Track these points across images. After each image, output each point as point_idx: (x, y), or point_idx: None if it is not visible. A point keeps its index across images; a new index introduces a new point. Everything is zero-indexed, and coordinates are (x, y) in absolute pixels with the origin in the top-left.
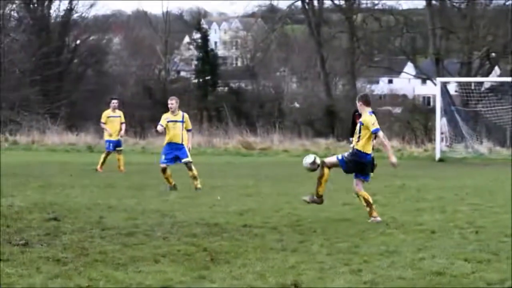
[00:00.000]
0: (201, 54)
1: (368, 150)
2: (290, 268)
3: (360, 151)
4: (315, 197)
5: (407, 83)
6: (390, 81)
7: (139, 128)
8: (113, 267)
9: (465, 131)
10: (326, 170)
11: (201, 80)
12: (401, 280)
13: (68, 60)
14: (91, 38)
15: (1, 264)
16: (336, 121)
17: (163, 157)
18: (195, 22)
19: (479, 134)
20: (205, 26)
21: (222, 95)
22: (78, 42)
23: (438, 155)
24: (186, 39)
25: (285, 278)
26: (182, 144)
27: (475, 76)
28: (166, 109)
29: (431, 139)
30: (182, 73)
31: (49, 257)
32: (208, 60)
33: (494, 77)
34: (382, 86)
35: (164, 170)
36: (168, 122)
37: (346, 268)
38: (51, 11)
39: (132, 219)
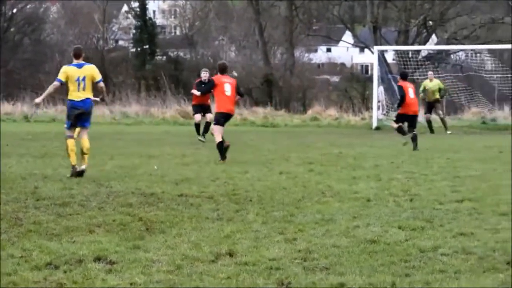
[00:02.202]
0: (139, 23)
1: None
2: (225, 237)
3: None
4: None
5: (345, 51)
6: (329, 50)
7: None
8: (47, 238)
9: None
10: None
11: (139, 49)
12: (336, 248)
13: (4, 29)
14: (28, 6)
15: None
16: (274, 90)
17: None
18: None
19: None
20: None
21: (160, 64)
22: (14, 10)
23: (375, 124)
24: (125, 7)
25: (220, 247)
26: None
27: (412, 44)
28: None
29: (368, 108)
30: (120, 42)
31: None
32: (146, 29)
33: (431, 45)
34: (320, 55)
35: None
36: None
37: (281, 237)
38: None
39: (68, 189)
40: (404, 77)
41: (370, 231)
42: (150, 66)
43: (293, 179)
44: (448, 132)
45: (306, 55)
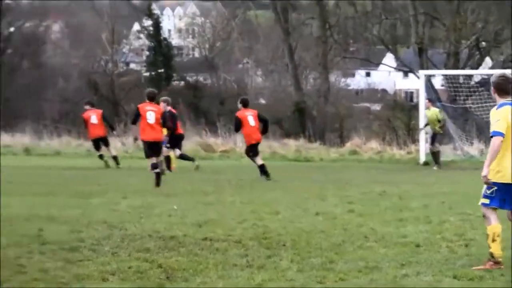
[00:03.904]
0: (152, 43)
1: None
2: (256, 287)
3: None
4: None
5: (387, 76)
6: (368, 74)
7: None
8: (55, 287)
9: (453, 130)
10: None
11: (153, 73)
12: None
13: (0, 51)
14: (26, 25)
15: None
16: (307, 120)
17: None
18: (146, 6)
19: (469, 134)
20: (156, 11)
21: (177, 90)
22: (12, 29)
23: (422, 158)
24: (136, 26)
25: None
26: None
27: (463, 68)
28: (114, 106)
29: (415, 140)
30: (132, 65)
31: None
32: (161, 50)
33: (485, 70)
34: (358, 80)
35: None
36: None
37: (320, 286)
38: None
39: (76, 232)
40: None
41: (421, 280)
42: (166, 92)
43: (331, 220)
44: (434, 167)
45: (343, 80)
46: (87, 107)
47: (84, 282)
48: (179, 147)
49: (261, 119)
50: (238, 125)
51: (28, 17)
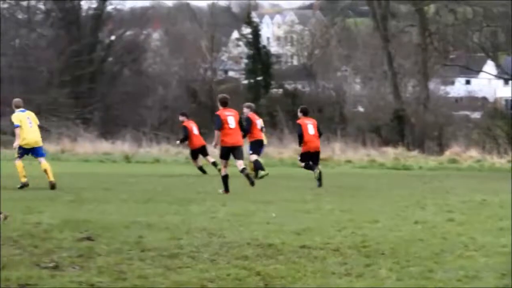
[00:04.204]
0: (251, 51)
1: None
2: None
3: None
4: None
5: (487, 83)
6: (468, 82)
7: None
8: None
9: None
10: None
11: (252, 80)
12: None
13: (101, 59)
14: (127, 33)
15: None
16: (406, 128)
17: None
18: (245, 15)
19: None
20: (256, 19)
21: (276, 98)
22: (112, 37)
23: None
24: (235, 34)
25: None
26: None
27: None
28: (212, 114)
29: None
30: (231, 73)
31: (82, 282)
32: (259, 58)
33: None
34: (458, 88)
35: None
36: None
37: None
38: (82, 2)
39: (176, 239)
40: None
41: None
42: (264, 100)
43: (431, 229)
44: None
45: (442, 87)
46: (182, 118)
47: None
48: (258, 153)
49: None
50: (300, 132)
51: (129, 26)
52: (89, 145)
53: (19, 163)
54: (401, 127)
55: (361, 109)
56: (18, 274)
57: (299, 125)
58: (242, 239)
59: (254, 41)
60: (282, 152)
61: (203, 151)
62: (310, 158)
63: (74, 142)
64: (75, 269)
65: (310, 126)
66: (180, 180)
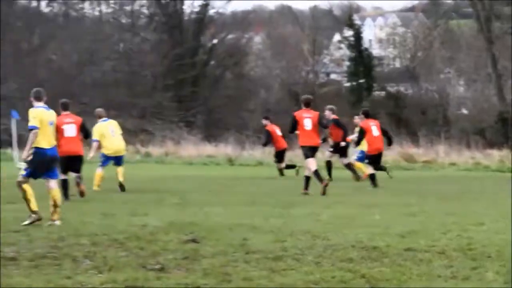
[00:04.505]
0: (353, 54)
1: None
2: None
3: None
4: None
5: None
6: None
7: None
8: None
9: None
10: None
11: (354, 83)
12: None
13: (204, 62)
14: (229, 36)
15: None
16: (510, 130)
17: None
18: (347, 17)
19: None
20: (358, 22)
21: (378, 101)
22: (215, 41)
23: None
24: (337, 37)
25: None
26: None
27: None
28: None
29: None
30: (333, 76)
31: (188, 284)
32: (361, 60)
33: None
34: None
35: None
36: None
37: None
38: (185, 6)
39: (280, 242)
40: None
41: None
42: (367, 102)
43: None
44: None
45: None
46: (266, 122)
47: None
48: (345, 155)
49: (384, 132)
50: (362, 133)
51: (231, 29)
52: (192, 148)
53: (99, 173)
54: (506, 129)
55: (465, 111)
56: (124, 276)
57: (362, 128)
58: (346, 241)
59: (356, 44)
60: (385, 154)
61: (283, 154)
62: (376, 160)
63: (177, 145)
64: (180, 271)
65: (374, 128)
66: (283, 183)
